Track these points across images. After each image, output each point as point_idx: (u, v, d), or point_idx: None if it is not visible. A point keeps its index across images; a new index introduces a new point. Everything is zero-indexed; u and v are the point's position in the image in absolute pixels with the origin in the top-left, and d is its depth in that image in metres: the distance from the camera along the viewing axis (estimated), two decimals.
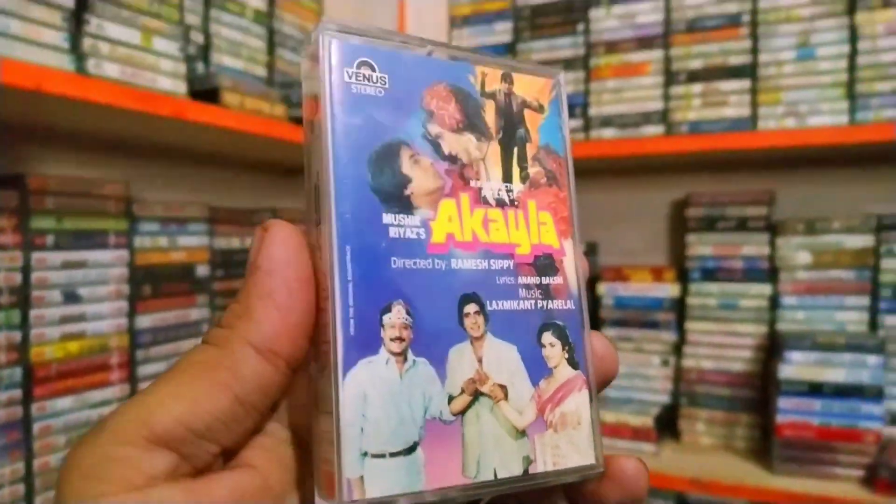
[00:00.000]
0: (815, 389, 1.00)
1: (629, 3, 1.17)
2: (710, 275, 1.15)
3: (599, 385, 0.25)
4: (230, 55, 1.00)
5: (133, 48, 0.78)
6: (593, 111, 1.19)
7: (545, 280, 0.25)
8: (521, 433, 0.23)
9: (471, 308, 0.23)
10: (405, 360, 0.21)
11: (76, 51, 0.72)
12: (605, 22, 1.19)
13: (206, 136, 0.93)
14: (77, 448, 0.19)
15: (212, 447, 0.20)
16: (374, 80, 0.22)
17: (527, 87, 0.26)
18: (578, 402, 0.24)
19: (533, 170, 0.26)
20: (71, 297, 0.78)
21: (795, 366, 1.01)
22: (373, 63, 0.23)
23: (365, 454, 0.20)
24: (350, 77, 0.22)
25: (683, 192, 1.23)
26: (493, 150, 0.25)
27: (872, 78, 1.04)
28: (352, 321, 0.20)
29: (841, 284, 1.08)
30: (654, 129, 1.15)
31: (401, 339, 0.21)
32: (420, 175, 0.23)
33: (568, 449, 0.24)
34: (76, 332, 0.79)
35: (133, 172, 0.95)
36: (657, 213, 1.32)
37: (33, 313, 0.74)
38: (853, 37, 1.05)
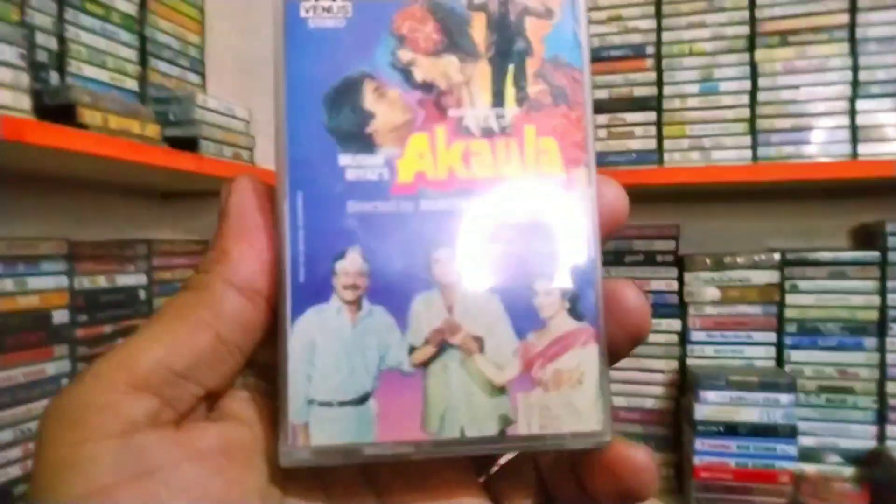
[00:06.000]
0: (731, 430, 0.99)
1: None
2: None
3: (624, 343, 0.22)
4: (92, 65, 0.86)
5: None
6: None
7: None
8: (500, 390, 0.21)
9: (442, 254, 0.21)
10: (359, 308, 0.20)
11: None
12: None
13: (60, 160, 0.78)
14: (59, 397, 0.19)
15: (195, 389, 0.19)
16: (335, 10, 0.21)
17: None
18: (581, 359, 0.21)
19: (535, 89, 0.22)
20: None
21: (710, 406, 0.99)
22: None
23: (311, 402, 0.20)
24: (307, 12, 0.21)
25: None
26: (482, 70, 0.22)
27: (772, 115, 1.05)
28: (302, 268, 0.20)
29: (748, 320, 1.07)
30: None
31: (355, 286, 0.20)
32: (385, 109, 0.22)
33: (562, 411, 0.21)
34: None
35: None
36: None
37: None
38: (753, 73, 1.06)
